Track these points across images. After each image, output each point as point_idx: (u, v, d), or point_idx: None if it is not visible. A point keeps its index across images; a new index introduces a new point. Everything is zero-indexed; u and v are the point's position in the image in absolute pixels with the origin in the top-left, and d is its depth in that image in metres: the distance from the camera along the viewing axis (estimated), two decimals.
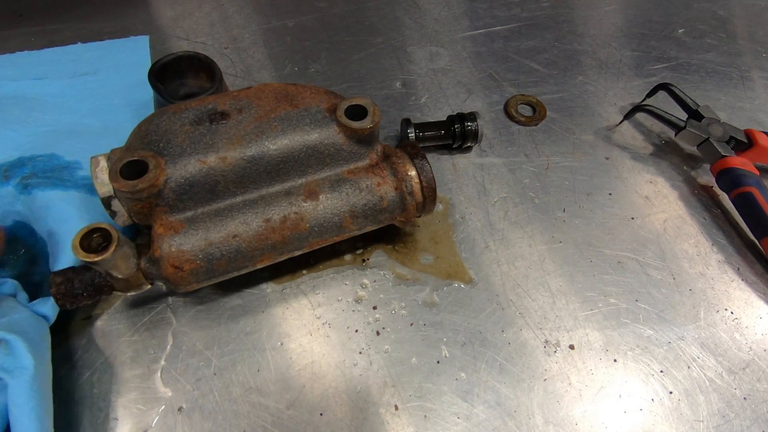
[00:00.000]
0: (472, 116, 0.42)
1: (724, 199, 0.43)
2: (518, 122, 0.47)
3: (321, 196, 0.31)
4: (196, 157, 0.28)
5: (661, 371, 0.34)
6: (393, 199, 0.32)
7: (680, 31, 0.60)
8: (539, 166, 0.44)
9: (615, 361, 0.34)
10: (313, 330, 0.33)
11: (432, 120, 0.45)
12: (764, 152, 0.43)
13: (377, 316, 0.34)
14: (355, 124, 0.30)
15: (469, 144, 0.43)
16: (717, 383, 0.33)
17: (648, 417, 0.32)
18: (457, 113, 0.43)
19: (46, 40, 0.50)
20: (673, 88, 0.47)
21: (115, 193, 0.29)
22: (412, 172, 0.32)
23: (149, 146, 0.28)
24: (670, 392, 0.33)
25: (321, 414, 0.30)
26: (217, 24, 0.55)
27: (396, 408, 0.31)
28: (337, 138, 0.31)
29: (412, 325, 0.34)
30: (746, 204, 0.40)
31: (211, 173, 0.28)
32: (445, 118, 0.44)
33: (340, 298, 0.35)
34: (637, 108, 0.46)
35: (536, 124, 0.48)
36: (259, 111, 0.31)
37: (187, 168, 0.28)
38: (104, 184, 0.29)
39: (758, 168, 0.41)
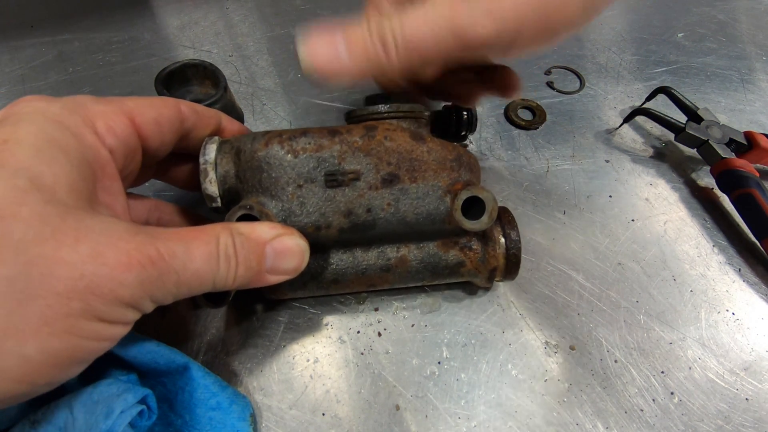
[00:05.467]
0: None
1: (725, 200, 0.43)
2: (519, 126, 0.48)
3: (410, 264, 0.31)
4: (304, 221, 0.28)
5: (663, 372, 0.34)
6: (477, 268, 0.32)
7: (680, 35, 0.60)
8: (539, 169, 0.45)
9: (616, 361, 0.34)
10: (316, 331, 0.34)
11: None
12: (764, 154, 0.43)
13: (379, 317, 0.35)
14: (468, 225, 0.28)
15: (464, 132, 0.44)
16: (719, 384, 0.33)
17: (650, 418, 0.32)
18: (453, 103, 0.43)
19: (57, 50, 0.52)
20: (672, 91, 0.47)
21: (222, 203, 0.29)
22: (501, 244, 0.32)
23: (259, 186, 0.28)
24: (672, 393, 0.33)
25: (323, 414, 0.31)
26: (222, 33, 0.56)
27: (397, 408, 0.31)
28: (446, 227, 0.30)
29: (413, 326, 0.35)
30: (747, 205, 0.40)
31: (313, 235, 0.28)
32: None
33: (341, 299, 0.35)
34: (637, 111, 0.46)
35: (536, 128, 0.48)
36: (376, 177, 0.29)
37: (295, 228, 0.28)
38: (212, 198, 0.29)
39: (758, 170, 0.41)
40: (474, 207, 0.29)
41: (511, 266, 0.32)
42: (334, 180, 0.28)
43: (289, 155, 0.28)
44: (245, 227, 0.24)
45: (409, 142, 0.29)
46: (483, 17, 0.23)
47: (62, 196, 0.19)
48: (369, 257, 0.31)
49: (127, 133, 0.25)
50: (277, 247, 0.25)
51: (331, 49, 0.25)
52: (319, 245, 0.30)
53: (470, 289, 0.36)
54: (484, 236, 0.32)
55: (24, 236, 0.17)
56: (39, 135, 0.20)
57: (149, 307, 0.21)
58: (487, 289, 0.37)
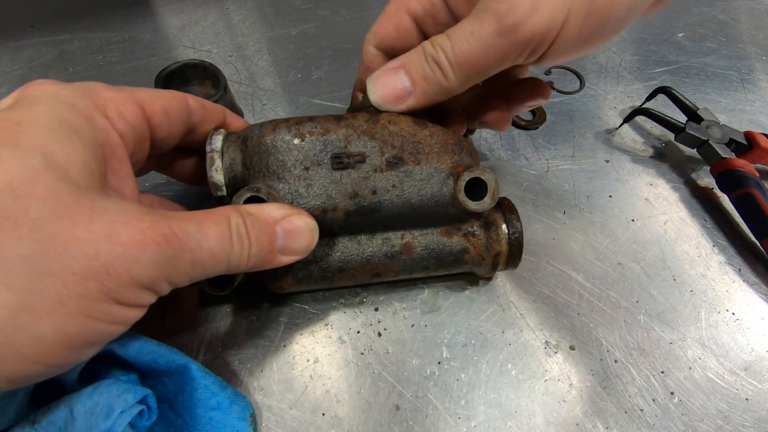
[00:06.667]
0: None
1: (725, 200, 0.43)
2: (519, 126, 0.48)
3: (414, 251, 0.32)
4: (311, 203, 0.28)
5: (663, 372, 0.34)
6: (481, 254, 0.32)
7: (680, 35, 0.60)
8: (539, 169, 0.45)
9: (616, 361, 0.34)
10: (316, 331, 0.34)
11: None
12: (764, 154, 0.43)
13: (379, 317, 0.35)
14: (472, 206, 0.29)
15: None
16: (719, 384, 0.33)
17: (650, 418, 0.32)
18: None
19: (57, 50, 0.52)
20: (672, 91, 0.47)
21: (227, 193, 0.29)
22: (503, 230, 0.32)
23: (267, 170, 0.28)
24: (672, 393, 0.33)
25: (323, 414, 0.31)
26: (222, 33, 0.56)
27: (397, 408, 0.31)
28: (449, 209, 0.30)
29: (413, 326, 0.35)
30: (747, 205, 0.40)
31: (320, 218, 0.29)
32: None
33: (342, 299, 0.35)
34: (637, 111, 0.46)
35: (536, 128, 0.48)
36: (381, 159, 0.29)
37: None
38: (217, 186, 0.29)
39: (758, 170, 0.41)
40: (476, 189, 0.30)
41: (514, 252, 0.32)
42: (340, 162, 0.29)
43: (296, 139, 0.28)
44: (254, 208, 0.25)
45: (412, 126, 0.30)
46: (531, 12, 0.23)
47: (75, 176, 0.19)
48: (374, 244, 0.31)
49: (138, 121, 0.25)
50: (286, 227, 0.25)
51: (393, 80, 0.28)
52: (325, 231, 0.30)
53: (470, 288, 0.36)
54: (486, 223, 0.32)
55: (39, 215, 0.17)
56: (51, 116, 0.20)
57: (165, 289, 0.21)
58: (488, 280, 0.37)
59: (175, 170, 0.33)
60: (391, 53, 0.32)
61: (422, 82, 0.27)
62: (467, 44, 0.25)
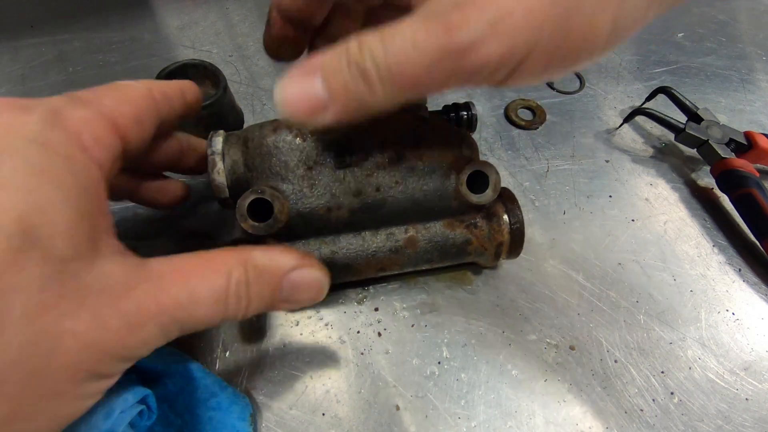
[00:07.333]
0: (467, 105, 0.42)
1: (725, 200, 0.43)
2: (518, 126, 0.48)
3: (419, 245, 0.32)
4: (315, 203, 0.29)
5: (663, 372, 0.34)
6: (483, 245, 0.33)
7: (680, 35, 0.60)
8: (539, 169, 0.45)
9: (616, 361, 0.34)
10: (316, 331, 0.34)
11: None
12: (764, 154, 0.43)
13: (379, 317, 0.35)
14: (474, 199, 0.30)
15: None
16: (719, 384, 0.33)
17: (650, 418, 0.32)
18: (453, 103, 0.43)
19: (57, 50, 0.52)
20: (672, 91, 0.47)
21: (230, 195, 0.29)
22: (505, 220, 0.32)
23: (270, 171, 0.28)
24: (672, 393, 0.33)
25: (323, 414, 0.31)
26: (222, 32, 0.56)
27: (397, 408, 0.31)
28: (452, 202, 0.31)
29: (413, 326, 0.35)
30: (747, 205, 0.40)
31: (324, 217, 0.29)
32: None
33: (342, 299, 0.35)
34: (637, 111, 0.46)
35: (536, 128, 0.48)
36: (383, 156, 0.29)
37: (304, 211, 0.29)
38: (220, 189, 0.29)
39: (758, 170, 0.41)
40: (478, 182, 0.30)
41: (516, 241, 0.33)
42: (342, 161, 0.29)
43: (298, 139, 0.29)
44: (263, 257, 0.22)
45: (413, 123, 0.30)
46: (487, 34, 0.18)
47: (60, 249, 0.17)
48: (378, 240, 0.31)
49: (113, 142, 0.22)
50: (294, 280, 0.23)
51: (307, 87, 0.20)
52: (330, 229, 0.30)
53: (470, 288, 0.36)
54: (488, 214, 0.33)
55: (25, 310, 0.16)
56: (27, 170, 0.17)
57: (150, 350, 0.21)
58: (492, 268, 0.37)
59: (152, 197, 0.32)
60: (297, 25, 0.27)
61: (341, 93, 0.20)
62: (405, 57, 0.19)
